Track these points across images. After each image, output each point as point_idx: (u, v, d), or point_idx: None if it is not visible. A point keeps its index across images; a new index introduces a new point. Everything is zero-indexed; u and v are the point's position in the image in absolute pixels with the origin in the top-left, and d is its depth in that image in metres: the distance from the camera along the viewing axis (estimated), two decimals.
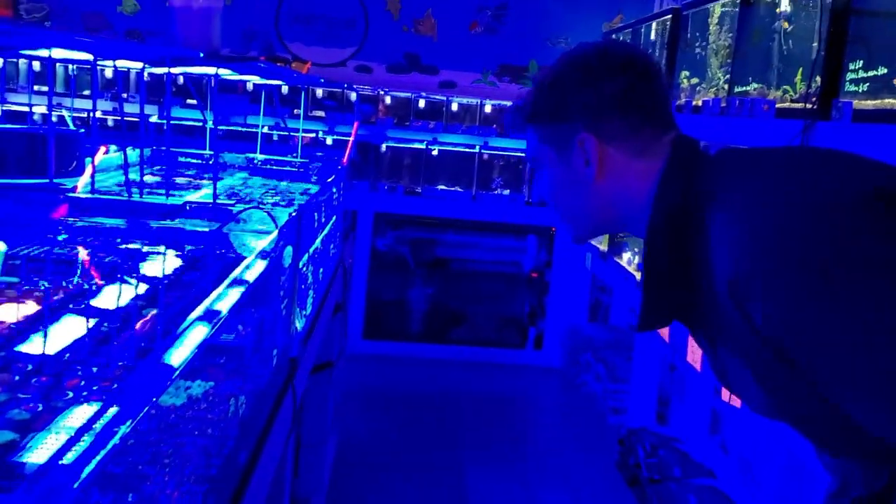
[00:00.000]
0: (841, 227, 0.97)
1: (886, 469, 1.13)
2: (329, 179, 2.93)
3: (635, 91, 1.20)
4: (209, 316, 1.14)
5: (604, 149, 1.19)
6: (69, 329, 1.25)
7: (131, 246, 1.67)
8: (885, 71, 2.31)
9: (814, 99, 2.54)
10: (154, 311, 1.35)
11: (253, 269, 1.46)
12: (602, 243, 4.92)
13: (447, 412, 4.78)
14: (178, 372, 0.95)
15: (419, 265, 5.78)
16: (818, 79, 2.54)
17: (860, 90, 2.36)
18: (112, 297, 1.42)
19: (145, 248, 1.66)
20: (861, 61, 2.41)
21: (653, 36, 4.31)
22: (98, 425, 0.77)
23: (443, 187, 5.45)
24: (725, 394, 2.87)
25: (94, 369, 1.09)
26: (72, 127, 1.96)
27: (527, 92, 1.28)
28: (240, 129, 5.15)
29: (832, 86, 2.47)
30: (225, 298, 1.25)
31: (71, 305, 1.35)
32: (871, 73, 2.36)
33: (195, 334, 1.06)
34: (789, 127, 2.41)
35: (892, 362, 0.92)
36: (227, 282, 1.30)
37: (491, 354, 5.67)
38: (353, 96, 5.44)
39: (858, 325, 0.93)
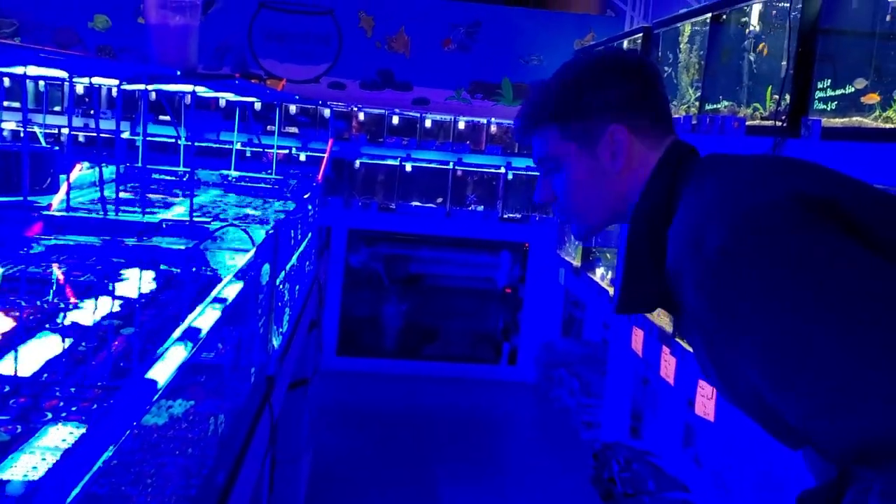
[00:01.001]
0: (757, 223, 1.08)
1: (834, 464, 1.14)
2: (304, 196, 2.92)
3: (649, 91, 1.32)
4: (190, 335, 1.13)
5: (631, 140, 1.29)
6: (45, 348, 1.24)
7: (107, 264, 1.66)
8: (853, 89, 2.36)
9: (783, 117, 2.58)
10: (131, 330, 1.35)
11: (231, 288, 1.45)
12: (575, 259, 4.95)
13: (421, 428, 4.78)
14: (160, 392, 0.95)
15: (393, 281, 5.78)
16: (787, 97, 2.58)
17: (829, 108, 2.41)
18: (88, 315, 1.41)
19: (121, 267, 1.65)
20: (829, 80, 2.46)
21: None
22: (81, 447, 0.76)
23: (416, 204, 5.46)
24: (699, 407, 2.89)
25: (73, 389, 1.08)
26: (44, 143, 1.95)
27: (537, 95, 1.34)
28: (213, 145, 5.13)
29: (801, 104, 2.51)
30: (204, 317, 1.24)
31: (47, 325, 1.34)
32: (839, 92, 2.41)
33: (176, 353, 1.06)
34: (760, 144, 2.45)
35: (786, 339, 1.03)
36: (207, 301, 1.30)
37: (465, 370, 5.67)
38: (327, 113, 5.45)
39: (754, 308, 1.05)
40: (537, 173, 1.42)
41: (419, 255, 5.75)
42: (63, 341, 1.28)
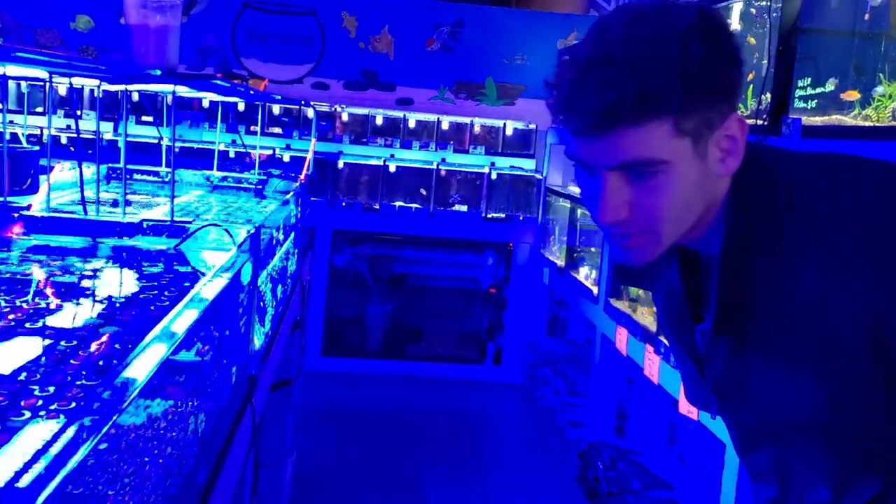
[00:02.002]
0: None
1: (880, 479, 1.12)
2: (287, 196, 2.92)
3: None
4: (168, 334, 1.13)
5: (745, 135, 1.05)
6: (24, 349, 1.24)
7: (88, 264, 1.65)
8: (832, 88, 2.37)
9: (764, 115, 2.59)
10: (111, 330, 1.34)
11: (211, 287, 1.45)
12: (560, 258, 4.96)
13: (406, 428, 4.77)
14: (136, 391, 0.95)
15: (377, 282, 5.77)
16: (768, 95, 2.60)
17: (809, 106, 2.43)
18: (68, 316, 1.41)
19: (102, 267, 1.64)
20: (809, 78, 2.48)
21: None
22: (56, 446, 0.76)
23: (400, 204, 5.46)
24: (682, 406, 2.90)
25: (52, 389, 1.07)
26: (25, 144, 1.94)
27: (637, 72, 0.97)
28: (196, 145, 5.11)
29: (782, 102, 2.53)
30: (184, 316, 1.24)
31: (27, 325, 1.33)
32: (818, 90, 2.42)
33: (154, 352, 1.05)
34: None
35: None
36: (185, 300, 1.29)
37: (450, 370, 5.67)
38: (311, 113, 5.44)
39: None
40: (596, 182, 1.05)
41: (403, 255, 5.75)
42: (42, 341, 1.27)
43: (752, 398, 1.12)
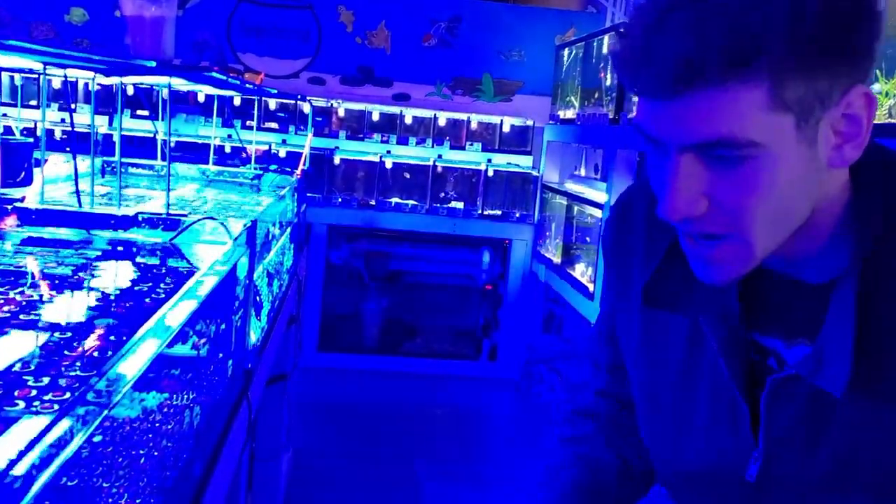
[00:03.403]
0: None
1: None
2: (283, 191, 2.91)
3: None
4: (163, 327, 1.12)
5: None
6: (19, 341, 1.23)
7: (82, 257, 1.64)
8: None
9: None
10: (106, 322, 1.33)
11: (207, 281, 1.44)
12: (556, 256, 4.96)
13: (402, 424, 4.77)
14: (131, 383, 0.94)
15: (373, 278, 5.77)
16: None
17: None
18: (63, 308, 1.40)
19: (97, 259, 1.63)
20: None
21: (605, 49, 4.36)
22: (50, 437, 0.75)
23: (397, 200, 5.46)
24: None
25: (46, 380, 1.07)
26: (19, 137, 1.93)
27: (732, 16, 0.72)
28: (192, 139, 5.09)
29: None
30: (178, 310, 1.23)
31: (21, 317, 1.33)
32: None
33: (148, 345, 1.05)
34: None
35: None
36: (180, 293, 1.28)
37: (446, 366, 5.67)
38: (307, 108, 5.43)
39: None
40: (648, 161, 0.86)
41: (399, 251, 5.74)
42: (36, 333, 1.26)
43: (840, 447, 0.88)
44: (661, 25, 0.75)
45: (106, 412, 0.85)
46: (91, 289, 1.50)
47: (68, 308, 1.39)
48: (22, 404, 0.97)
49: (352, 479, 4.03)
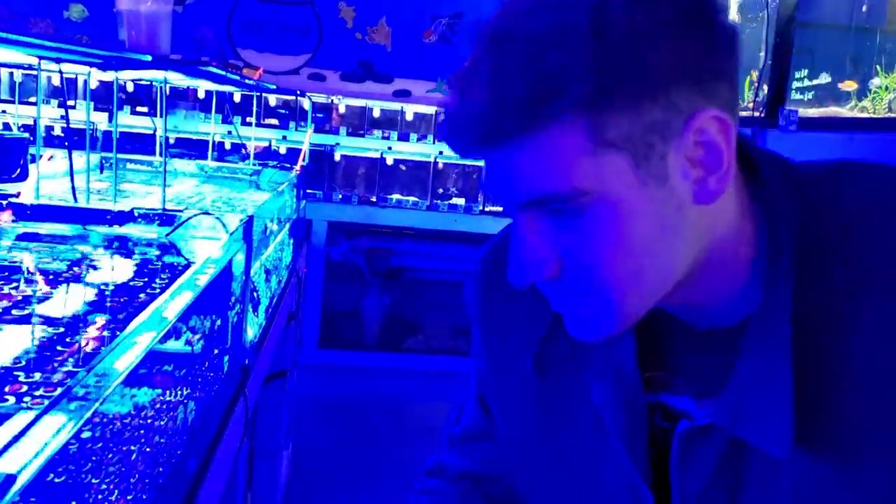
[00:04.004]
0: None
1: None
2: (281, 187, 2.90)
3: (723, 42, 0.70)
4: (155, 322, 1.12)
5: (732, 137, 0.70)
6: (12, 337, 1.22)
7: (78, 252, 1.63)
8: (829, 80, 2.37)
9: (761, 107, 2.59)
10: (101, 318, 1.33)
11: (202, 276, 1.44)
12: None
13: (403, 421, 4.77)
14: (121, 378, 0.93)
15: (374, 275, 5.76)
16: (765, 87, 2.59)
17: (805, 98, 2.42)
18: (58, 304, 1.39)
19: (92, 255, 1.62)
20: (806, 70, 2.47)
21: None
22: (40, 433, 0.75)
23: (397, 197, 5.44)
24: None
25: (37, 375, 1.06)
26: (17, 133, 1.92)
27: (522, 62, 0.65)
28: (192, 136, 5.09)
29: (779, 94, 2.52)
30: (172, 304, 1.22)
31: (14, 312, 1.32)
32: (815, 82, 2.42)
33: (141, 340, 1.04)
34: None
35: None
36: (174, 287, 1.28)
37: (447, 363, 5.66)
38: (307, 104, 5.42)
39: None
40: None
41: (400, 248, 5.73)
42: (31, 329, 1.26)
43: None
44: (464, 81, 0.69)
45: (95, 407, 0.85)
46: (86, 284, 1.49)
47: (63, 303, 1.39)
48: (12, 399, 0.96)
49: (352, 476, 4.02)
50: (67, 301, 1.41)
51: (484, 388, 1.04)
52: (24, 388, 1.00)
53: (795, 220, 0.74)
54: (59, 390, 1.00)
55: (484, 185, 0.76)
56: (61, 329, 1.25)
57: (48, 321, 1.29)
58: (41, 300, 1.40)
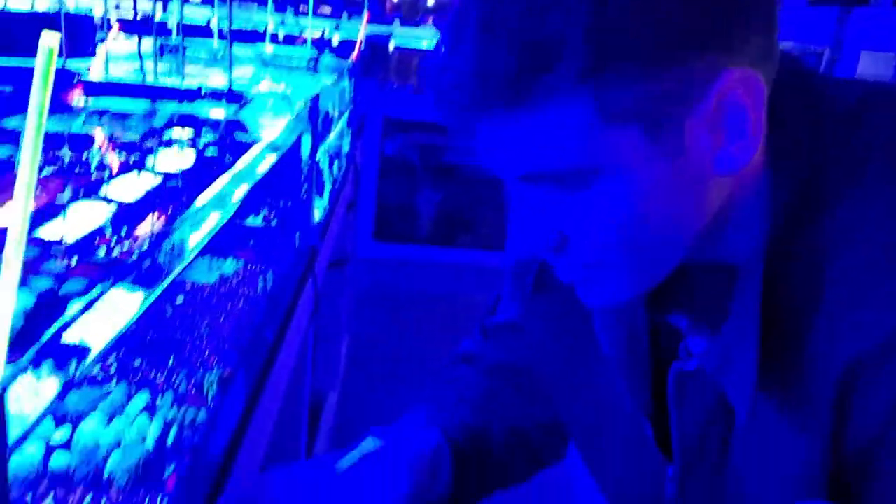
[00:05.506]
0: None
1: None
2: (339, 74, 2.86)
3: None
4: (224, 198, 1.11)
5: (760, 97, 0.61)
6: (85, 215, 1.23)
7: (147, 129, 1.63)
8: None
9: None
10: (172, 194, 1.33)
11: (270, 154, 1.43)
12: None
13: (458, 315, 4.81)
14: (196, 251, 0.94)
15: (428, 169, 5.74)
16: None
17: None
18: (130, 180, 1.40)
19: (162, 132, 1.62)
20: None
21: None
22: (129, 300, 0.75)
23: None
24: None
25: (115, 251, 1.07)
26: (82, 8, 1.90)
27: (523, 25, 0.57)
28: (246, 28, 5.04)
29: None
30: (243, 182, 1.22)
31: (84, 190, 1.33)
32: None
33: (210, 216, 1.04)
34: (824, 15, 2.34)
35: None
36: (244, 165, 1.27)
37: (498, 258, 5.66)
38: None
39: None
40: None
41: (454, 143, 5.67)
42: (107, 205, 1.27)
43: (739, 464, 0.73)
44: (450, 42, 0.61)
45: (174, 276, 0.85)
46: (156, 162, 1.49)
47: (135, 180, 1.39)
48: (86, 281, 0.97)
49: (406, 366, 4.10)
50: (139, 178, 1.41)
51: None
52: (102, 261, 1.01)
53: (797, 161, 0.66)
54: (136, 256, 1.00)
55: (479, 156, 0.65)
56: (136, 204, 1.26)
57: (123, 197, 1.30)
58: (112, 177, 1.41)
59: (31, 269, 0.88)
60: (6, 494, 0.46)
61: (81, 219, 1.19)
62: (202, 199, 1.04)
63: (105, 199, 1.27)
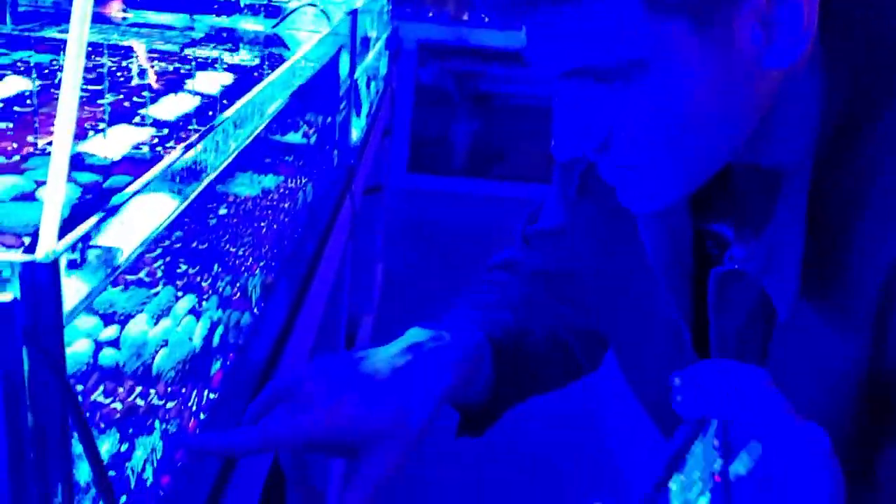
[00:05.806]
0: None
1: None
2: None
3: None
4: (260, 108, 1.09)
5: None
6: (125, 134, 1.22)
7: (185, 42, 1.61)
8: None
9: None
10: (207, 111, 1.31)
11: (308, 65, 1.40)
12: None
13: (491, 247, 4.79)
14: (231, 158, 0.92)
15: (464, 98, 5.67)
16: None
17: None
18: (169, 100, 1.38)
19: (200, 44, 1.60)
20: None
21: None
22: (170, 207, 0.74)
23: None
24: None
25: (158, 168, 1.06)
26: None
27: None
28: None
29: None
30: (280, 95, 1.20)
31: (126, 104, 1.31)
32: None
33: (252, 125, 1.02)
34: None
35: None
36: (281, 76, 1.25)
37: (533, 190, 5.62)
38: None
39: None
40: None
41: (491, 72, 5.59)
42: (145, 125, 1.25)
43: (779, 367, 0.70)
44: None
45: (210, 179, 0.84)
46: (195, 76, 1.47)
47: (175, 97, 1.37)
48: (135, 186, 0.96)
49: (440, 297, 4.10)
50: (179, 95, 1.39)
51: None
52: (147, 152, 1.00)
53: (855, 76, 0.64)
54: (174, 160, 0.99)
55: (524, 51, 0.65)
56: (175, 123, 1.24)
57: (156, 115, 1.28)
58: (151, 90, 1.39)
59: (76, 163, 0.87)
60: (62, 365, 0.46)
61: (122, 133, 1.18)
62: (239, 105, 1.02)
63: (143, 119, 1.26)
